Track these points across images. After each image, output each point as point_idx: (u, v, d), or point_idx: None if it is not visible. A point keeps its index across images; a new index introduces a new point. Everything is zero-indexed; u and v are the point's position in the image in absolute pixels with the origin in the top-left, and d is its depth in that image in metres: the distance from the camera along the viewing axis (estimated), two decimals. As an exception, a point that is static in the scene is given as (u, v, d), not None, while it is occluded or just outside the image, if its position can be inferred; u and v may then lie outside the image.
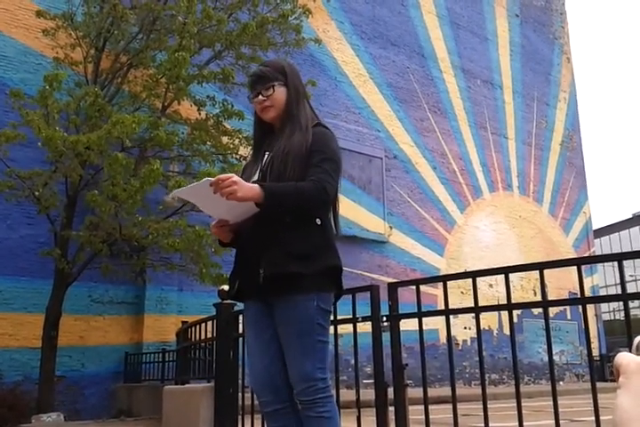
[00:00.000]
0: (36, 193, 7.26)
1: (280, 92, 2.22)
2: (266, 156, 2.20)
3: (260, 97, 2.22)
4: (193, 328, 4.83)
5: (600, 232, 36.67)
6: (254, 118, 2.35)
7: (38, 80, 7.45)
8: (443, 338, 12.46)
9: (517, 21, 18.18)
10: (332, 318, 2.79)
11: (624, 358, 0.84)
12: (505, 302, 2.45)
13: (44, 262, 8.16)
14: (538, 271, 2.37)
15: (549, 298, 2.39)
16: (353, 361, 2.94)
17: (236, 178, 1.98)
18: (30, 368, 8.19)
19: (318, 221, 2.12)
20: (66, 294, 7.87)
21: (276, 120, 2.26)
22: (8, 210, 8.46)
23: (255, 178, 2.19)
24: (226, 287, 3.92)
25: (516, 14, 18.21)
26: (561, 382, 14.97)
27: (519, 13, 18.30)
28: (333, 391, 2.99)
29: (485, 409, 2.40)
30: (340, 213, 2.28)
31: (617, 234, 40.64)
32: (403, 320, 2.77)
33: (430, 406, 2.63)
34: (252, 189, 1.99)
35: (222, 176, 1.97)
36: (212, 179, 1.97)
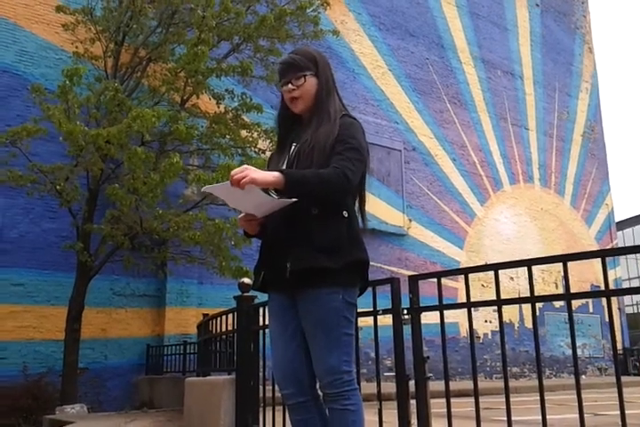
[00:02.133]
0: (58, 187, 7.34)
1: (311, 83, 2.20)
2: (293, 147, 2.20)
3: (290, 86, 2.19)
4: (214, 321, 4.86)
5: (623, 224, 36.15)
6: (280, 107, 2.32)
7: (59, 75, 7.50)
8: (463, 331, 12.43)
9: (538, 11, 17.93)
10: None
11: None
12: (527, 295, 2.42)
13: (67, 256, 8.26)
14: (560, 264, 2.33)
15: (571, 291, 2.36)
16: (373, 354, 2.93)
17: (247, 166, 1.99)
18: (54, 360, 8.30)
19: (345, 214, 2.12)
20: (88, 286, 7.97)
21: (305, 112, 2.24)
22: (31, 204, 8.57)
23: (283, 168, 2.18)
24: (246, 280, 3.94)
25: (537, 4, 17.96)
26: (583, 376, 14.84)
27: (539, 3, 18.04)
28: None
29: (508, 402, 2.38)
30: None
31: (640, 226, 40.03)
32: (423, 313, 2.76)
33: (452, 400, 2.61)
34: (271, 175, 1.98)
35: (234, 171, 1.98)
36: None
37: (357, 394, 2.05)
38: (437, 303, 2.69)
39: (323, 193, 2.03)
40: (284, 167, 2.17)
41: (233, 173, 1.97)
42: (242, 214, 2.18)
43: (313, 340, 2.05)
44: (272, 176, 1.97)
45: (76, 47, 8.55)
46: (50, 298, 8.68)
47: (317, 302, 2.03)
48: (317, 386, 2.11)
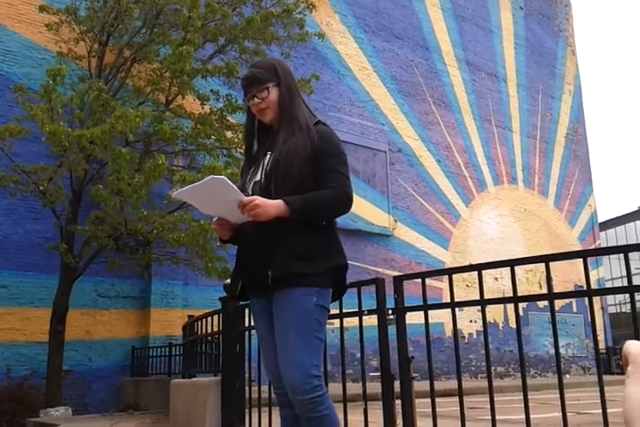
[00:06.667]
0: (41, 188, 7.28)
1: (274, 93, 2.22)
2: (268, 156, 2.20)
3: (256, 100, 2.22)
4: (199, 322, 4.85)
5: (606, 225, 36.52)
6: (247, 120, 2.35)
7: (42, 75, 7.45)
8: (448, 331, 12.49)
9: (522, 14, 18.08)
10: (337, 311, 2.80)
11: (633, 346, 0.82)
12: (511, 295, 2.45)
13: (51, 257, 8.19)
14: (544, 264, 2.36)
15: (555, 291, 2.38)
16: (359, 355, 2.95)
17: (258, 201, 2.01)
18: (38, 363, 8.23)
19: (324, 222, 2.15)
20: (72, 288, 7.90)
21: (275, 121, 2.26)
22: (13, 205, 8.49)
23: (257, 178, 2.19)
24: (232, 281, 3.93)
25: (521, 7, 18.10)
26: (567, 375, 14.98)
27: (523, 6, 18.19)
28: (337, 385, 3.00)
29: (492, 402, 2.41)
30: None
31: (623, 226, 40.42)
32: (408, 313, 2.77)
33: (437, 399, 2.63)
34: (276, 208, 2.02)
35: (244, 200, 2.00)
36: (217, 177, 1.97)
37: (328, 396, 2.05)
38: (422, 303, 2.71)
39: (329, 216, 2.14)
40: (261, 175, 2.19)
41: (244, 202, 2.00)
42: (215, 218, 2.19)
43: (284, 341, 2.04)
44: (276, 209, 2.01)
45: (60, 47, 8.48)
46: (33, 300, 8.60)
47: (291, 302, 2.04)
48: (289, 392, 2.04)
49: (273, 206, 2.02)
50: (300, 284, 2.04)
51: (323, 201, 2.08)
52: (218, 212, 2.15)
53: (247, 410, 3.68)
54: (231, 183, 1.98)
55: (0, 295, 8.43)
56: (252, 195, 2.13)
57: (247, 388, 3.72)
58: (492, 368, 2.50)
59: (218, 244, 7.39)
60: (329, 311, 2.16)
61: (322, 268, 2.07)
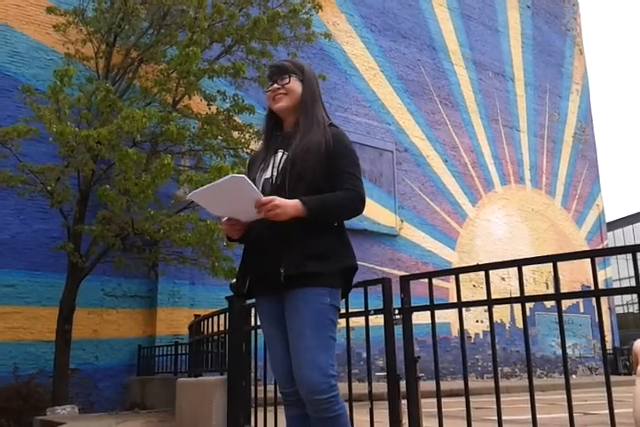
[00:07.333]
0: (49, 188, 7.31)
1: (296, 84, 2.26)
2: (280, 153, 2.20)
3: (276, 85, 2.25)
4: (205, 321, 4.86)
5: (613, 225, 36.37)
6: (267, 113, 2.36)
7: (50, 76, 7.48)
8: (455, 331, 12.47)
9: (529, 13, 18.02)
10: (343, 311, 2.80)
11: (642, 346, 0.81)
12: (518, 295, 2.44)
13: (58, 257, 8.23)
14: (551, 264, 2.35)
15: (562, 291, 2.38)
16: (365, 354, 2.95)
17: (277, 201, 2.00)
18: (45, 361, 8.27)
19: (336, 223, 2.17)
20: (79, 287, 7.94)
21: (287, 113, 2.27)
22: (21, 205, 8.53)
23: (267, 176, 2.19)
24: (238, 281, 3.93)
25: (528, 6, 18.05)
26: (574, 376, 14.92)
27: (531, 5, 18.13)
28: (343, 384, 3.00)
29: (498, 402, 2.40)
30: None
31: (630, 227, 40.24)
32: (415, 313, 2.77)
33: (443, 399, 2.63)
34: (294, 208, 2.02)
35: (263, 200, 1.99)
36: (238, 175, 1.96)
37: (340, 396, 2.05)
38: (429, 303, 2.71)
39: (343, 217, 2.16)
40: (271, 173, 2.19)
41: (262, 201, 1.99)
42: (225, 218, 2.18)
43: (299, 340, 2.03)
44: (294, 210, 2.02)
45: (67, 48, 8.51)
46: (41, 299, 8.64)
47: (305, 301, 2.04)
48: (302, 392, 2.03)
49: (291, 206, 2.02)
50: (312, 284, 2.04)
51: (338, 202, 2.09)
52: (229, 212, 2.14)
53: (253, 409, 3.68)
54: (251, 182, 1.97)
55: (8, 294, 8.48)
56: (263, 192, 2.13)
57: (253, 387, 3.72)
58: (499, 368, 2.49)
59: (225, 243, 7.41)
60: (339, 311, 2.17)
61: (334, 268, 2.08)
